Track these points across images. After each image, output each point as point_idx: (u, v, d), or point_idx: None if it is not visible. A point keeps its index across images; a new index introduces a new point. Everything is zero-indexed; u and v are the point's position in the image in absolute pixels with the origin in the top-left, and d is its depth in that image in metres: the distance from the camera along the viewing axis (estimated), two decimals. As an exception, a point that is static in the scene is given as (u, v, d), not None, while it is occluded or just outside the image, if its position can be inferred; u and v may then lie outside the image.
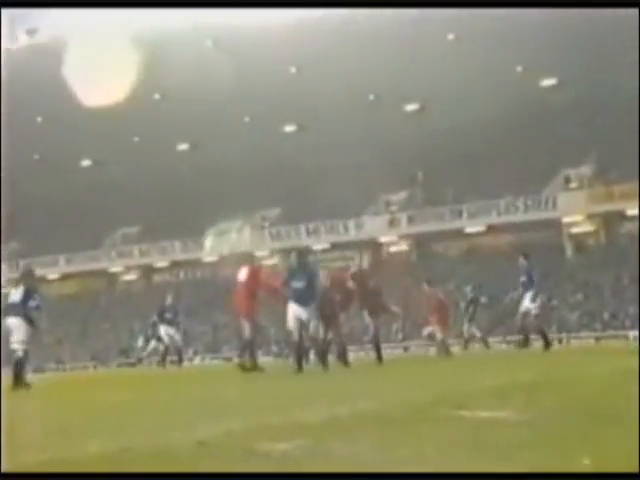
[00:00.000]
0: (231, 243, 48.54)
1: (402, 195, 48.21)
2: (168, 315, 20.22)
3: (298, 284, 11.64)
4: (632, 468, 2.69)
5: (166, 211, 50.85)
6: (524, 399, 4.77)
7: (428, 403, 4.88)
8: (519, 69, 42.36)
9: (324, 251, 48.22)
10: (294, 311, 11.57)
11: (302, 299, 11.54)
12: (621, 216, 40.76)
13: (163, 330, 20.33)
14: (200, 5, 39.01)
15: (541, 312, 16.85)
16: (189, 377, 12.48)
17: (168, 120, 49.63)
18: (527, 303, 16.34)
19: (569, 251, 42.23)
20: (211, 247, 49.95)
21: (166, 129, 50.78)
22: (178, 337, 20.65)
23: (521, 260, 17.12)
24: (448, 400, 4.90)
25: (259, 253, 49.81)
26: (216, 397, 7.11)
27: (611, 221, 41.49)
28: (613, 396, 4.90)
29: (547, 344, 16.19)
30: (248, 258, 16.35)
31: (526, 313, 16.32)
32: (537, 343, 17.12)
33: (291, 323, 11.56)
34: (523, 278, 16.60)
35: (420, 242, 46.28)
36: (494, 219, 43.17)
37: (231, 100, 47.08)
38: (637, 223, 40.79)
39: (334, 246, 47.21)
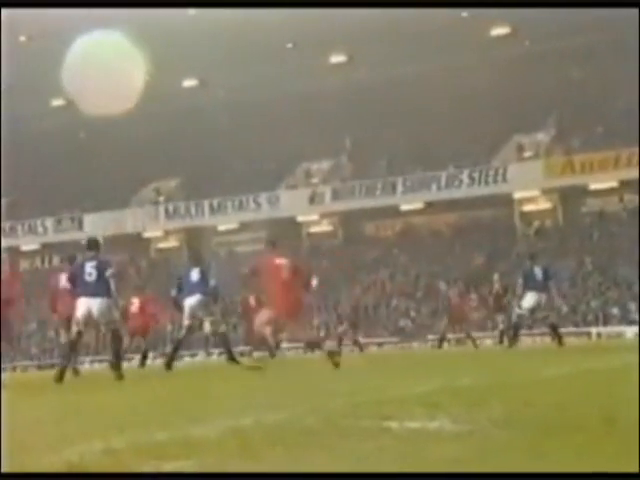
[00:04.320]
0: (116, 221, 47.95)
1: (325, 165, 48.38)
2: None
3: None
4: (632, 468, 2.83)
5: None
6: (463, 407, 4.85)
7: (348, 413, 4.92)
8: (464, 15, 42.89)
9: (231, 232, 48.15)
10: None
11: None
12: (583, 191, 41.80)
13: None
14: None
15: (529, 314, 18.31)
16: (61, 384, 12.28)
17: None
18: (526, 303, 17.83)
19: (521, 232, 43.13)
20: (92, 226, 49.12)
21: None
22: None
23: (528, 263, 18.73)
24: (373, 409, 4.94)
25: (150, 234, 49.44)
26: (92, 408, 7.02)
27: (571, 197, 42.51)
28: (570, 404, 5.02)
29: (560, 339, 17.56)
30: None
31: (523, 314, 17.94)
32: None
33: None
34: (521, 279, 18.24)
35: (347, 221, 46.61)
36: (434, 194, 43.74)
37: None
38: (602, 199, 42.01)
39: (243, 226, 47.13)
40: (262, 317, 12.01)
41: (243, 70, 46.68)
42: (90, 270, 12.39)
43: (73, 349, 12.76)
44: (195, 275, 16.07)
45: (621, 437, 3.58)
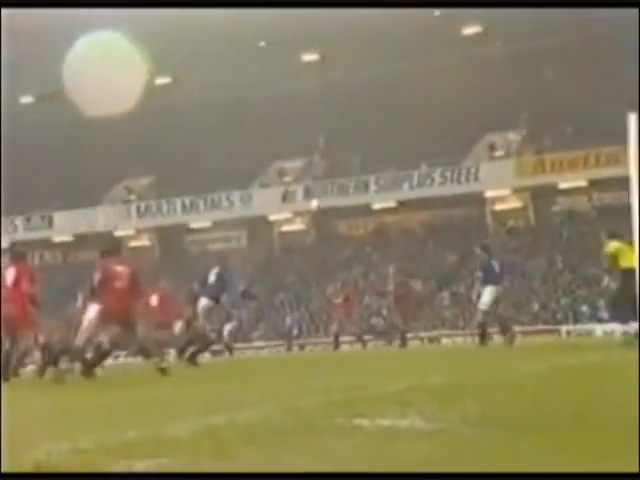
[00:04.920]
0: (87, 220, 47.66)
1: (298, 163, 48.36)
2: None
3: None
4: (632, 468, 2.87)
5: None
6: (435, 405, 4.87)
7: (320, 411, 4.92)
8: (437, 13, 42.98)
9: (204, 230, 48.02)
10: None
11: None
12: (554, 190, 42.06)
13: None
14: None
15: (491, 309, 18.06)
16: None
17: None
18: (486, 299, 17.53)
19: (493, 231, 43.33)
20: (62, 224, 48.89)
21: None
22: None
23: (478, 252, 18.30)
24: (345, 407, 4.95)
25: (122, 232, 49.18)
26: (60, 410, 6.97)
27: (542, 196, 42.76)
28: (541, 401, 5.05)
29: (511, 338, 17.64)
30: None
31: (486, 309, 17.66)
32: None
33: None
34: (480, 273, 17.84)
35: (319, 220, 46.61)
36: (406, 193, 43.83)
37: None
38: (572, 198, 42.30)
39: (216, 224, 47.01)
40: (91, 322, 11.77)
41: (216, 68, 46.54)
42: None
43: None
44: (212, 277, 15.97)
45: (593, 435, 3.60)
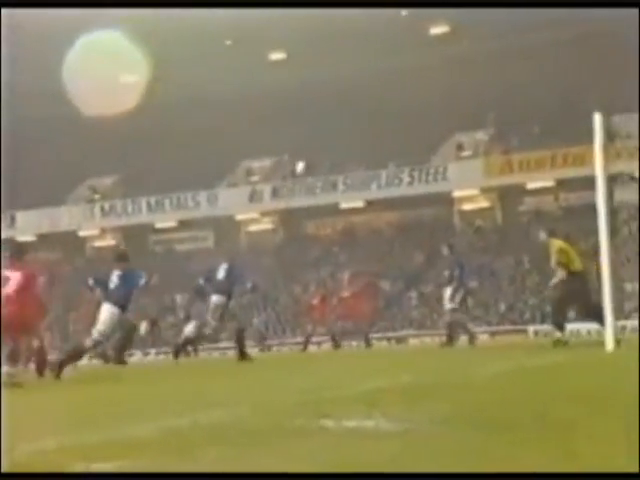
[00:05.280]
0: (50, 219, 47.31)
1: (266, 163, 48.33)
2: None
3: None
4: (632, 468, 2.90)
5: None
6: (400, 406, 4.89)
7: (287, 412, 4.93)
8: (404, 13, 43.14)
9: (170, 230, 47.85)
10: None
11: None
12: (521, 190, 42.36)
13: None
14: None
15: (460, 307, 18.13)
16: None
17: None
18: (453, 297, 17.59)
19: (461, 231, 43.55)
20: (25, 224, 48.46)
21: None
22: None
23: (445, 251, 18.31)
24: (311, 408, 4.96)
25: (86, 232, 48.89)
26: (23, 411, 6.93)
27: (510, 196, 43.05)
28: (507, 402, 5.09)
29: (471, 338, 17.70)
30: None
31: (453, 309, 17.70)
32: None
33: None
34: (447, 272, 17.86)
35: (287, 220, 46.62)
36: (374, 193, 43.96)
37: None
38: (539, 199, 42.65)
39: (182, 224, 46.86)
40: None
41: (182, 66, 46.37)
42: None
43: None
44: (221, 272, 15.86)
45: (557, 435, 3.63)
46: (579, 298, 13.63)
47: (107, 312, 12.31)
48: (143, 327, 38.71)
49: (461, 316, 18.25)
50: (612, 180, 12.43)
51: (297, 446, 3.72)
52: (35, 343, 13.64)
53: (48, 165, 48.85)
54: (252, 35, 43.87)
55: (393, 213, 44.90)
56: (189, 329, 22.50)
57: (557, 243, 14.03)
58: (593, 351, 11.09)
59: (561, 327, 13.47)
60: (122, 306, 12.35)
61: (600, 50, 41.09)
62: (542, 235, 14.65)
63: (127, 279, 12.47)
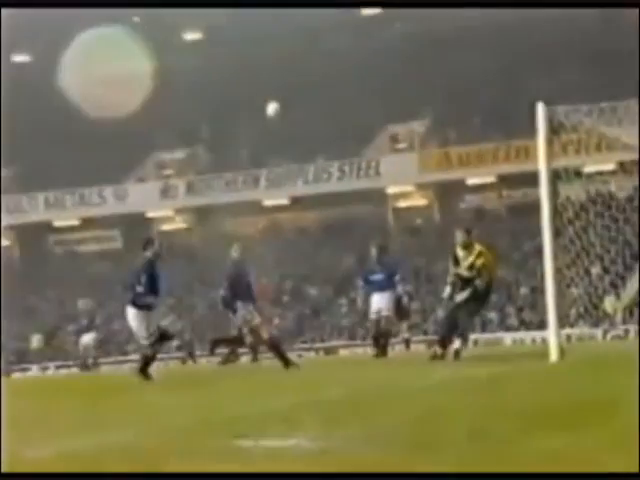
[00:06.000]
0: None
1: (179, 154, 48.01)
2: None
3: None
4: (632, 468, 3.06)
5: None
6: (323, 423, 4.94)
7: (198, 431, 4.94)
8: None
9: (71, 229, 47.26)
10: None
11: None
12: (461, 187, 42.78)
13: None
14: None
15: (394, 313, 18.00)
16: None
17: None
18: (382, 303, 17.32)
19: (395, 230, 43.83)
20: None
21: None
22: None
23: (373, 252, 18.04)
24: (226, 427, 4.98)
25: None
26: None
27: (448, 193, 43.43)
28: (436, 417, 5.18)
29: (384, 351, 17.53)
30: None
31: (381, 317, 17.39)
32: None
33: None
34: (379, 275, 17.51)
35: (203, 218, 46.39)
36: (300, 189, 43.99)
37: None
38: (480, 196, 43.13)
39: (86, 222, 46.28)
40: None
41: (84, 47, 45.72)
42: None
43: None
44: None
45: (489, 453, 3.72)
46: (479, 309, 13.75)
47: None
48: (35, 340, 38.36)
49: (391, 325, 18.03)
50: (557, 176, 12.53)
51: (210, 468, 3.74)
52: None
53: None
54: (160, 12, 43.21)
55: (321, 211, 44.95)
56: (86, 340, 22.29)
57: (479, 246, 13.51)
58: (535, 362, 11.27)
59: (466, 339, 13.58)
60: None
61: (545, 36, 41.80)
62: (460, 236, 13.55)
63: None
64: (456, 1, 39.50)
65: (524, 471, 3.28)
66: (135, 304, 12.67)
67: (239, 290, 15.78)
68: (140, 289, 12.61)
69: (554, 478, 3.04)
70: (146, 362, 12.91)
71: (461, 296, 13.22)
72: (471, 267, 13.24)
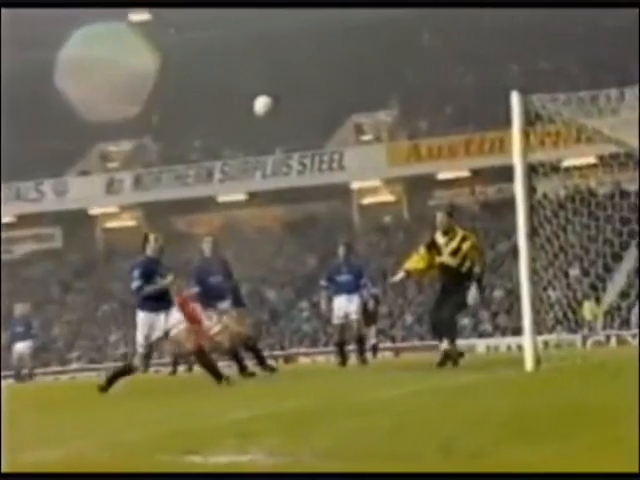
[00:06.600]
0: None
1: (126, 146, 47.87)
2: None
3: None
4: (632, 468, 3.16)
5: None
6: (281, 437, 4.97)
7: (145, 446, 4.95)
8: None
9: (6, 226, 46.88)
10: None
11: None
12: (431, 182, 42.96)
13: None
14: None
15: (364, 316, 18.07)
16: None
17: None
18: (349, 307, 17.25)
19: (360, 229, 43.95)
20: None
21: None
22: None
23: (340, 252, 17.97)
24: (174, 441, 4.99)
25: None
26: None
27: (418, 188, 43.58)
28: (405, 429, 5.22)
29: (364, 358, 17.54)
30: None
31: (351, 321, 17.30)
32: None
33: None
34: (346, 276, 17.43)
35: (152, 215, 46.20)
36: (258, 183, 43.98)
37: None
38: (452, 191, 43.34)
39: (22, 220, 45.95)
40: None
41: (24, 27, 45.46)
42: None
43: None
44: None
45: (456, 464, 3.77)
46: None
47: None
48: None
49: (356, 331, 17.96)
50: (534, 171, 12.60)
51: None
52: None
53: None
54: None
55: (281, 208, 44.99)
56: (21, 348, 22.15)
57: (462, 230, 13.12)
58: (509, 371, 11.35)
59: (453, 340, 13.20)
60: None
61: (519, 22, 42.12)
62: (440, 218, 12.96)
63: None
64: (456, 1, 39.87)
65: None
66: (139, 306, 12.38)
67: (207, 289, 15.80)
68: (136, 283, 12.41)
69: (554, 478, 3.12)
70: (122, 372, 12.75)
71: (473, 297, 12.84)
72: (454, 253, 12.79)
